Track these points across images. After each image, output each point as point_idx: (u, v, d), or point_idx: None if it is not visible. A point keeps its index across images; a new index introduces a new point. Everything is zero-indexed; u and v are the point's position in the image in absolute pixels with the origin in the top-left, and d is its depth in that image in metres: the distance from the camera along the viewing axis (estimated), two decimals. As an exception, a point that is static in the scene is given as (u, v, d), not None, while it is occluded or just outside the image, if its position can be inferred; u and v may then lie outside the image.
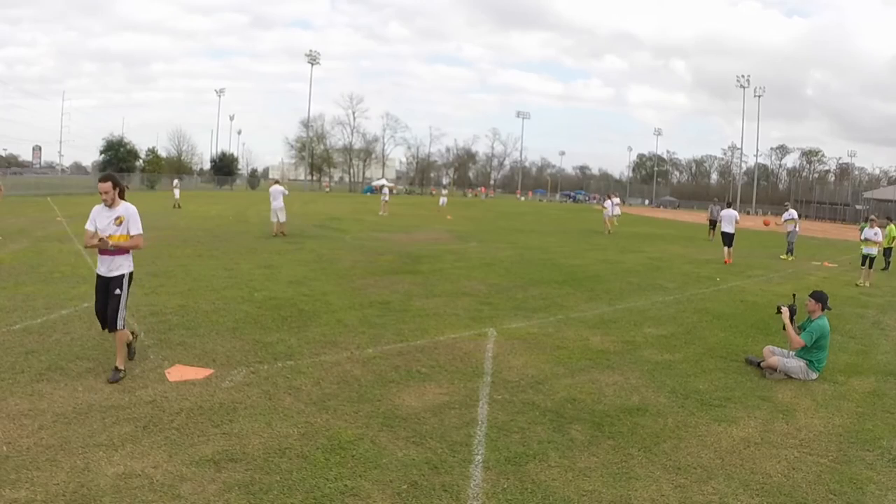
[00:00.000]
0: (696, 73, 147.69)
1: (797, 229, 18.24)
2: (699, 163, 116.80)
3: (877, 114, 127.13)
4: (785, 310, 5.95)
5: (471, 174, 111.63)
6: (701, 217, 37.53)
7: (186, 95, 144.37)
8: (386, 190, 34.05)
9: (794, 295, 6.17)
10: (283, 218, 17.26)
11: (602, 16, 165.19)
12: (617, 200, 29.17)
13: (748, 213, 74.77)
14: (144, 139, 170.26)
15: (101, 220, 5.03)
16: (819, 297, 5.94)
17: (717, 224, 23.47)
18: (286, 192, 17.70)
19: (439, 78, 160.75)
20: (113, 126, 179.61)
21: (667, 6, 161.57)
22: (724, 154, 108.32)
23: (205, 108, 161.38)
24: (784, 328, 5.97)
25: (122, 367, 5.01)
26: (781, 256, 17.57)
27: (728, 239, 16.22)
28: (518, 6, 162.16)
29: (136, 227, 5.04)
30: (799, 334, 5.84)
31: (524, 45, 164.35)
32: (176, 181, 34.04)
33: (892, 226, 16.08)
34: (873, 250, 13.14)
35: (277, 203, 17.15)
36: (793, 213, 18.58)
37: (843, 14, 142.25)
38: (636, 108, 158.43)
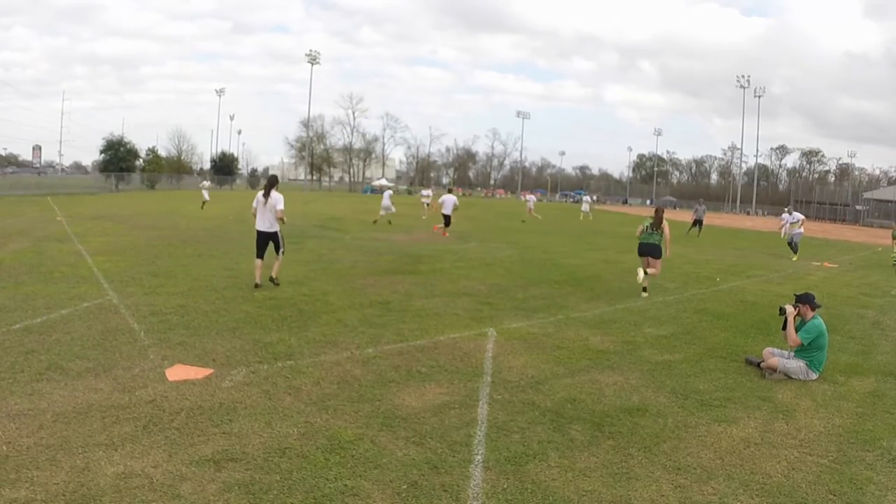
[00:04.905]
0: (685, 73, 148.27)
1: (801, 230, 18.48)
2: (699, 163, 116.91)
3: (846, 110, 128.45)
4: (790, 308, 5.95)
5: (471, 174, 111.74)
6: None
7: (178, 97, 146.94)
8: (427, 192, 30.94)
9: (795, 296, 6.17)
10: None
11: (563, 18, 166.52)
12: (533, 198, 34.80)
13: (748, 213, 74.85)
14: (144, 139, 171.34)
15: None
16: (805, 299, 5.94)
17: (701, 222, 24.64)
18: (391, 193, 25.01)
19: (420, 79, 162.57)
20: (112, 126, 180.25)
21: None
22: (725, 154, 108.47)
23: (198, 109, 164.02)
24: (784, 327, 5.97)
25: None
26: (793, 258, 17.29)
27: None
28: (480, 10, 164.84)
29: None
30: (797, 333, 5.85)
31: (495, 47, 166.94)
32: (205, 183, 35.08)
33: None
34: None
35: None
36: (797, 215, 18.94)
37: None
38: (636, 109, 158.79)
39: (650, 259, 9.80)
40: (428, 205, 28.40)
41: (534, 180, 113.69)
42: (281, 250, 8.93)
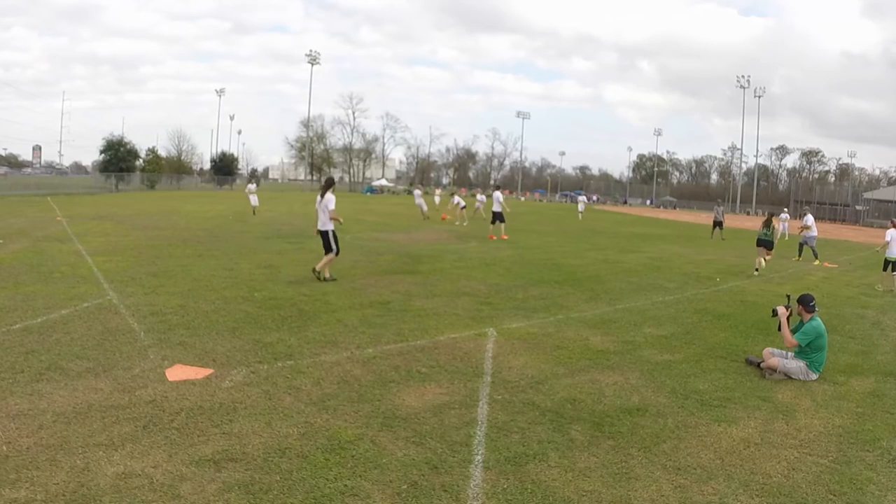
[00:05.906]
0: (682, 73, 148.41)
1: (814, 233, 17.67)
2: (699, 163, 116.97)
3: (844, 110, 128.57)
4: (782, 309, 5.96)
5: (471, 174, 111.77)
6: (701, 217, 37.70)
7: (177, 97, 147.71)
8: (458, 199, 27.83)
9: (788, 296, 6.18)
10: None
11: (562, 18, 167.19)
12: (483, 198, 29.82)
13: (748, 213, 74.82)
14: (144, 139, 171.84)
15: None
16: (800, 301, 5.94)
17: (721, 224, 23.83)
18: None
19: (420, 79, 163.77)
20: (112, 126, 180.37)
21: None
22: (725, 154, 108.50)
23: (198, 109, 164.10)
24: (779, 328, 5.97)
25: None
26: (815, 262, 16.59)
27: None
28: (479, 10, 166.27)
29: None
30: (794, 335, 5.85)
31: (495, 47, 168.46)
32: (251, 186, 28.23)
33: None
34: None
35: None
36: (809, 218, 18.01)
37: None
38: (636, 109, 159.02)
39: (765, 250, 13.35)
40: (464, 207, 25.82)
41: (534, 180, 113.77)
42: (332, 251, 9.71)
